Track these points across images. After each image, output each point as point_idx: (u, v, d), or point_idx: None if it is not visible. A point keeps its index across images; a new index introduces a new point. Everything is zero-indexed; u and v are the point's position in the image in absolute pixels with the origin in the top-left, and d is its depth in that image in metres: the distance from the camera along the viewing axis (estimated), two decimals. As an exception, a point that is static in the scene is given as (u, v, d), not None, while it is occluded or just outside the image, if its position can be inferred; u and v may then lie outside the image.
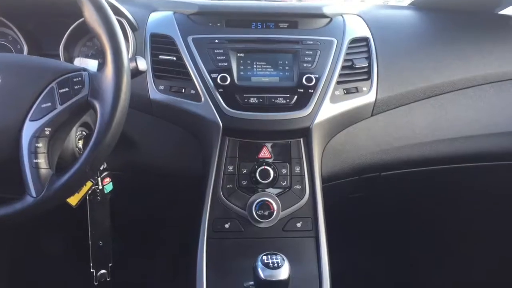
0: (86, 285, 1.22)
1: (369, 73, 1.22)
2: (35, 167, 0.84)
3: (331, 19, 1.29)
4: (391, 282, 1.76)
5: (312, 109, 1.14)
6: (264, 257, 0.91)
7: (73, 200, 1.08)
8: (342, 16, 1.30)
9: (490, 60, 1.31)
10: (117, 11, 1.18)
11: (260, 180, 1.13)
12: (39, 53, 1.21)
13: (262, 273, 0.89)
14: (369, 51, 1.25)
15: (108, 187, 1.14)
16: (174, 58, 1.17)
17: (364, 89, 1.21)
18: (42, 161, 0.84)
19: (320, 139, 1.17)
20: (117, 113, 0.85)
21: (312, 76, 1.15)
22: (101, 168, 1.12)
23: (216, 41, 1.19)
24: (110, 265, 1.18)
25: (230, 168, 1.15)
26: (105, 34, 0.87)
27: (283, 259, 0.91)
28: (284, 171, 1.15)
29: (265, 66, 1.19)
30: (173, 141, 1.21)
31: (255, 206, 1.12)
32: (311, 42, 1.21)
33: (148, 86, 1.17)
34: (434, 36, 1.34)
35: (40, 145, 0.85)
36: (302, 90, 1.15)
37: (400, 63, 1.27)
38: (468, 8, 1.42)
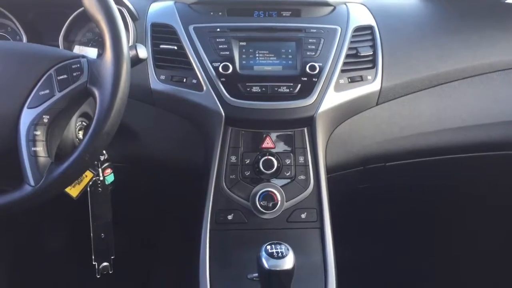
0: (88, 278, 1.20)
1: (374, 62, 1.20)
2: (33, 156, 0.82)
3: (335, 8, 1.27)
4: (397, 273, 1.74)
5: (316, 98, 1.12)
6: (268, 247, 0.89)
7: (74, 192, 1.06)
8: (346, 5, 1.28)
9: (497, 48, 1.29)
10: (117, 0, 1.16)
11: (264, 171, 1.11)
12: (39, 43, 1.20)
13: (266, 263, 0.87)
14: (373, 40, 1.23)
15: (109, 178, 1.12)
16: (175, 48, 1.16)
17: (369, 77, 1.19)
18: (40, 149, 0.83)
19: (324, 129, 1.15)
20: (117, 100, 0.83)
21: (316, 64, 1.13)
22: (102, 159, 1.10)
23: (218, 30, 1.17)
24: (112, 257, 1.17)
25: (233, 158, 1.13)
26: (104, 20, 0.85)
27: (288, 249, 0.89)
28: (288, 161, 1.13)
29: (267, 55, 1.17)
30: (174, 131, 1.19)
31: (259, 197, 1.10)
32: (315, 30, 1.19)
33: (149, 76, 1.15)
34: (439, 24, 1.32)
35: (38, 133, 0.83)
36: (305, 79, 1.13)
37: (405, 51, 1.24)
38: (474, -4, 1.40)
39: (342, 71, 1.16)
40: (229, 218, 1.10)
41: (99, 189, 1.11)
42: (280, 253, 0.88)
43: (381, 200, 1.56)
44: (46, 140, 0.84)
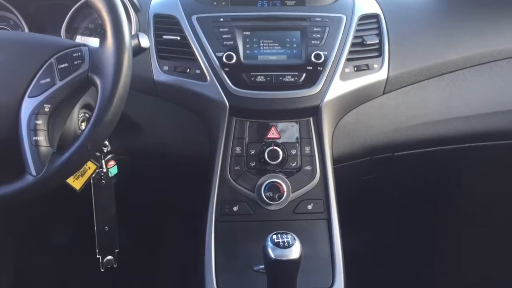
0: (92, 272, 1.19)
1: (380, 50, 1.18)
2: (35, 145, 0.81)
3: None
4: (404, 263, 1.73)
5: (322, 87, 1.11)
6: (274, 237, 0.87)
7: (77, 184, 1.05)
8: None
9: (506, 36, 1.27)
10: None
11: (269, 161, 1.10)
12: (41, 36, 1.19)
13: (272, 252, 0.85)
14: (379, 28, 1.21)
15: (113, 170, 1.11)
16: (178, 38, 1.15)
17: (375, 66, 1.17)
18: (42, 138, 0.81)
19: (330, 118, 1.14)
20: (119, 88, 0.81)
21: (321, 53, 1.11)
22: (105, 151, 1.09)
23: (221, 19, 1.16)
24: (116, 251, 1.15)
25: (238, 149, 1.11)
26: (105, 8, 0.84)
27: (294, 238, 0.87)
28: (293, 151, 1.12)
29: (272, 44, 1.16)
30: (178, 123, 1.18)
31: (264, 188, 1.08)
32: (319, 19, 1.17)
33: (152, 67, 1.14)
34: (446, 12, 1.29)
35: (39, 122, 0.82)
36: (311, 68, 1.12)
37: (412, 39, 1.22)
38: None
39: (348, 59, 1.15)
40: (234, 210, 1.09)
41: (103, 181, 1.09)
42: (286, 243, 0.86)
43: (389, 191, 1.54)
44: (47, 130, 0.82)
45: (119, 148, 1.14)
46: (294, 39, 1.16)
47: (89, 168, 1.05)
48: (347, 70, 1.14)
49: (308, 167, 1.11)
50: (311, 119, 1.13)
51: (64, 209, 1.48)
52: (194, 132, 1.17)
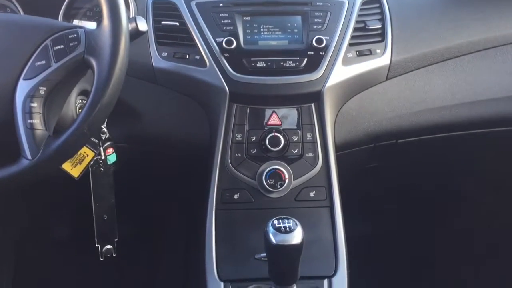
0: (92, 261, 1.18)
1: (383, 35, 1.17)
2: (30, 128, 0.79)
3: None
4: (407, 250, 1.71)
5: (324, 72, 1.09)
6: (276, 222, 0.85)
7: (75, 172, 1.03)
8: None
9: (511, 20, 1.24)
10: None
11: (270, 148, 1.08)
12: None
13: (273, 238, 0.83)
14: (382, 13, 1.19)
15: (112, 157, 1.09)
16: (177, 24, 1.13)
17: (378, 51, 1.15)
18: (37, 121, 0.80)
19: (332, 104, 1.12)
20: (116, 70, 0.80)
21: (323, 37, 1.09)
22: (103, 138, 1.07)
23: (221, 4, 1.15)
24: (115, 240, 1.14)
25: (238, 136, 1.09)
26: None
27: (296, 223, 0.85)
28: (295, 138, 1.09)
29: (272, 29, 1.14)
30: (178, 110, 1.16)
31: (266, 175, 1.06)
32: (321, 4, 1.16)
33: (150, 54, 1.12)
34: (450, -4, 1.27)
35: (34, 105, 0.80)
36: (312, 53, 1.10)
37: (416, 24, 1.21)
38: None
39: (350, 44, 1.13)
40: (235, 198, 1.07)
41: (101, 169, 1.08)
42: (288, 228, 0.83)
43: (393, 180, 1.52)
44: (43, 113, 0.81)
45: (118, 136, 1.13)
46: (295, 24, 1.14)
47: (87, 155, 1.03)
48: (349, 55, 1.12)
49: (310, 154, 1.09)
50: (312, 105, 1.11)
51: (63, 198, 1.47)
52: (194, 120, 1.15)
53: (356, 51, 1.13)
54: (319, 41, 1.09)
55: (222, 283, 0.99)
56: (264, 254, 0.90)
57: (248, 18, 1.14)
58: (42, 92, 0.81)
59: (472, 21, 1.22)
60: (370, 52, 1.14)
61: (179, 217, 1.67)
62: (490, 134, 1.23)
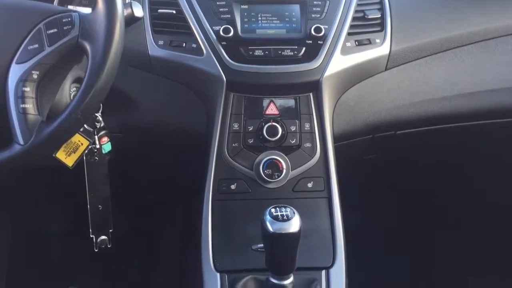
0: (86, 252, 1.16)
1: (382, 25, 1.15)
2: (22, 113, 0.78)
3: None
4: (405, 240, 1.71)
5: (322, 61, 1.07)
6: (273, 210, 0.83)
7: (70, 161, 1.02)
8: None
9: (511, 11, 1.23)
10: None
11: (268, 138, 1.06)
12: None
13: (270, 226, 0.82)
14: (381, 2, 1.18)
15: (107, 147, 1.07)
16: (174, 12, 1.12)
17: (377, 41, 1.14)
18: (30, 106, 0.78)
19: (331, 94, 1.10)
20: (110, 55, 0.78)
21: (322, 26, 1.08)
22: (98, 127, 1.06)
23: None
24: (110, 230, 1.12)
25: (236, 125, 1.08)
26: None
27: (293, 212, 0.84)
28: (293, 128, 1.08)
29: (270, 18, 1.12)
30: (174, 100, 1.14)
31: (263, 166, 1.05)
32: None
33: (147, 42, 1.11)
34: (450, -13, 1.26)
35: (27, 89, 0.79)
36: (310, 42, 1.09)
37: (415, 14, 1.20)
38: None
39: (349, 34, 1.12)
40: (232, 188, 1.06)
41: (96, 157, 1.06)
42: (285, 216, 0.82)
43: (391, 171, 1.51)
44: (36, 98, 0.80)
45: (114, 126, 1.11)
46: (294, 13, 1.13)
47: (82, 144, 1.02)
48: (348, 44, 1.11)
49: (308, 144, 1.08)
50: (311, 94, 1.09)
51: (56, 188, 1.45)
52: (190, 109, 1.13)
53: (355, 41, 1.12)
54: (318, 29, 1.08)
55: (218, 274, 0.97)
56: (261, 245, 0.89)
57: (245, 6, 1.12)
58: (35, 76, 0.79)
59: (472, 12, 1.22)
60: (369, 42, 1.13)
61: (175, 208, 1.66)
62: (490, 125, 1.22)
